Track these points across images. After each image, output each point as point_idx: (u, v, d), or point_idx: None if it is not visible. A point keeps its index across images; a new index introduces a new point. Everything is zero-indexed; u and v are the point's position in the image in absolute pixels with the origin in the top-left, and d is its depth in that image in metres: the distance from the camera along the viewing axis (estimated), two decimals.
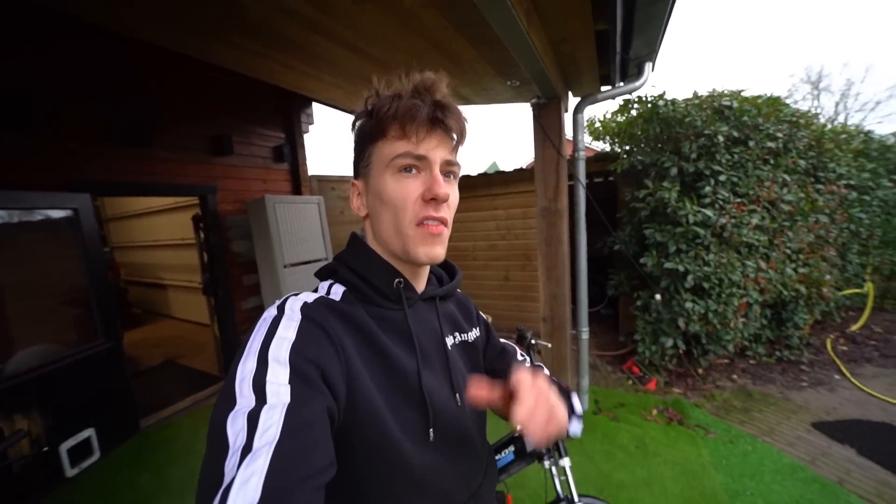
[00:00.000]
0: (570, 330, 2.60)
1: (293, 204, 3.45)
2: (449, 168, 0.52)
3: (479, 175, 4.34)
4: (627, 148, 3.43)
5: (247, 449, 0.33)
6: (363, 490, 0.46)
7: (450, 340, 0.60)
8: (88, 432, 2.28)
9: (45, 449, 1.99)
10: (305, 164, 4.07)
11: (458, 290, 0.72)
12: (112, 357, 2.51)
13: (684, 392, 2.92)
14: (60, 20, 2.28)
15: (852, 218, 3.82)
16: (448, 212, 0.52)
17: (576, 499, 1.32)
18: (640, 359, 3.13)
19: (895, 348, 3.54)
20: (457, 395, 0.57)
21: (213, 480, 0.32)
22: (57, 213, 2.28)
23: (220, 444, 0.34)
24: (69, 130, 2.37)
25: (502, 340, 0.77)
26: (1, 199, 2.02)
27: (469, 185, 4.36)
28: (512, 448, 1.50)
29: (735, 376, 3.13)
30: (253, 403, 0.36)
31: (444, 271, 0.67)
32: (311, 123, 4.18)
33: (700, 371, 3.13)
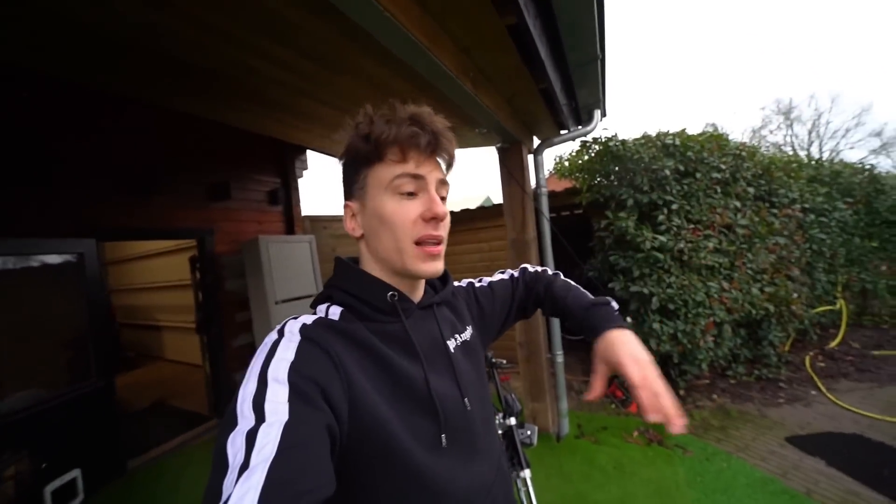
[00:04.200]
0: (545, 354, 2.72)
1: (286, 243, 3.67)
2: (443, 189, 0.56)
3: (462, 210, 4.62)
4: (595, 182, 3.73)
5: (244, 466, 0.33)
6: (373, 501, 0.47)
7: (452, 343, 0.61)
8: (74, 473, 2.32)
9: (44, 465, 2.07)
10: (299, 206, 4.35)
11: None
12: (104, 397, 2.59)
13: None
14: (70, 86, 2.59)
15: (813, 238, 4.06)
16: (444, 230, 0.55)
17: None
18: (620, 382, 3.20)
19: (870, 363, 3.62)
20: (465, 399, 0.57)
21: (211, 499, 0.33)
22: (61, 259, 2.47)
23: (220, 464, 0.35)
24: (80, 181, 2.64)
25: (486, 281, 0.79)
26: (8, 247, 2.22)
27: (454, 220, 4.63)
28: None
29: (715, 396, 3.19)
30: (252, 423, 0.37)
31: (436, 279, 0.68)
32: (305, 168, 4.52)
33: (681, 392, 3.20)
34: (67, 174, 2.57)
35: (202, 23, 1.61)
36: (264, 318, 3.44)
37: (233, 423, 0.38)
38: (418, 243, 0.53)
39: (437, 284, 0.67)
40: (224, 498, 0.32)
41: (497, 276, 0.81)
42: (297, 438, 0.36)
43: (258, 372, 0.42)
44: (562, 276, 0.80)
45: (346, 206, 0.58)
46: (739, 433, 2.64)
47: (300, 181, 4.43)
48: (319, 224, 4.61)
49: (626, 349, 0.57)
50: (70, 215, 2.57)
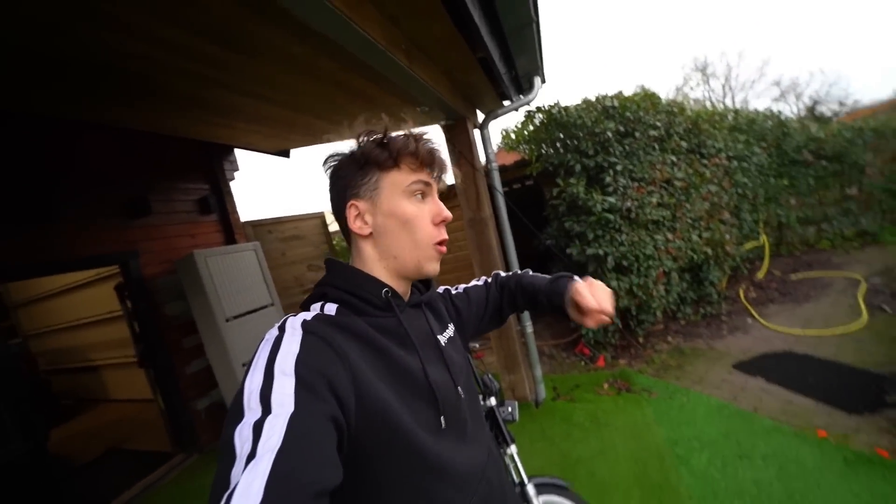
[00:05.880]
0: (515, 327, 2.76)
1: (227, 255, 3.34)
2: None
3: None
4: (542, 152, 3.77)
5: (251, 456, 0.34)
6: (385, 484, 0.49)
7: (441, 339, 0.66)
8: None
9: None
10: (236, 212, 3.96)
11: None
12: (32, 459, 2.25)
13: (629, 362, 3.19)
14: None
15: (737, 183, 4.46)
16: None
17: (526, 481, 1.42)
18: (587, 340, 3.37)
19: (790, 286, 4.14)
20: (458, 387, 0.62)
21: (220, 489, 0.34)
22: None
23: (228, 455, 0.36)
24: None
25: (462, 287, 0.84)
26: None
27: None
28: None
29: (670, 338, 3.47)
30: (259, 414, 0.38)
31: (420, 283, 0.72)
32: (237, 170, 4.10)
33: (640, 340, 3.44)
34: None
35: (73, 6, 1.31)
36: (217, 339, 3.15)
37: (239, 415, 0.39)
38: (435, 245, 0.59)
39: (421, 287, 0.71)
40: (232, 486, 0.33)
41: (472, 283, 0.87)
42: (303, 429, 0.37)
43: (264, 365, 0.43)
44: (531, 272, 0.88)
45: (350, 206, 0.59)
46: (694, 368, 2.90)
47: (232, 184, 4.02)
48: (263, 229, 4.26)
49: (586, 290, 0.68)
50: None
